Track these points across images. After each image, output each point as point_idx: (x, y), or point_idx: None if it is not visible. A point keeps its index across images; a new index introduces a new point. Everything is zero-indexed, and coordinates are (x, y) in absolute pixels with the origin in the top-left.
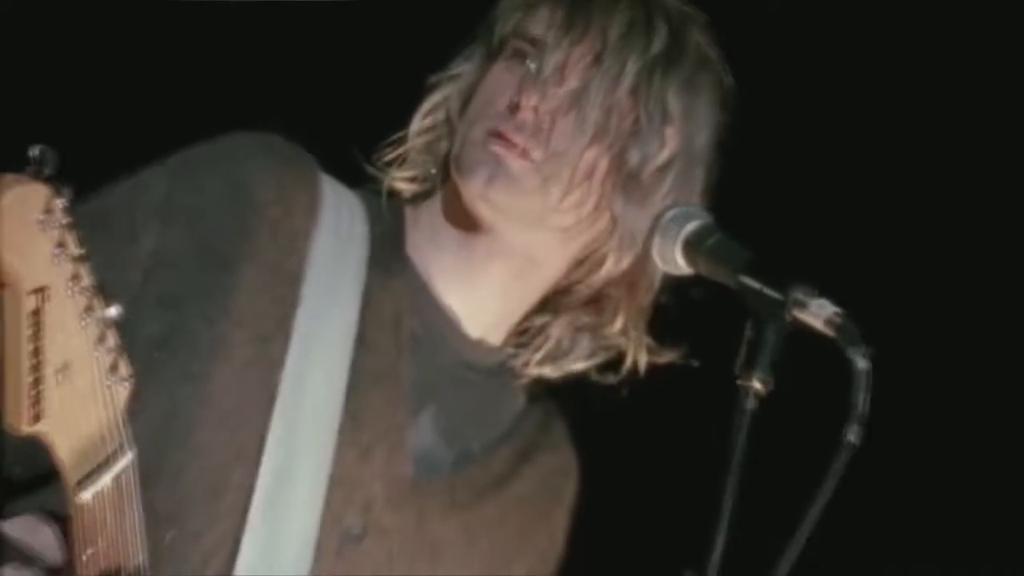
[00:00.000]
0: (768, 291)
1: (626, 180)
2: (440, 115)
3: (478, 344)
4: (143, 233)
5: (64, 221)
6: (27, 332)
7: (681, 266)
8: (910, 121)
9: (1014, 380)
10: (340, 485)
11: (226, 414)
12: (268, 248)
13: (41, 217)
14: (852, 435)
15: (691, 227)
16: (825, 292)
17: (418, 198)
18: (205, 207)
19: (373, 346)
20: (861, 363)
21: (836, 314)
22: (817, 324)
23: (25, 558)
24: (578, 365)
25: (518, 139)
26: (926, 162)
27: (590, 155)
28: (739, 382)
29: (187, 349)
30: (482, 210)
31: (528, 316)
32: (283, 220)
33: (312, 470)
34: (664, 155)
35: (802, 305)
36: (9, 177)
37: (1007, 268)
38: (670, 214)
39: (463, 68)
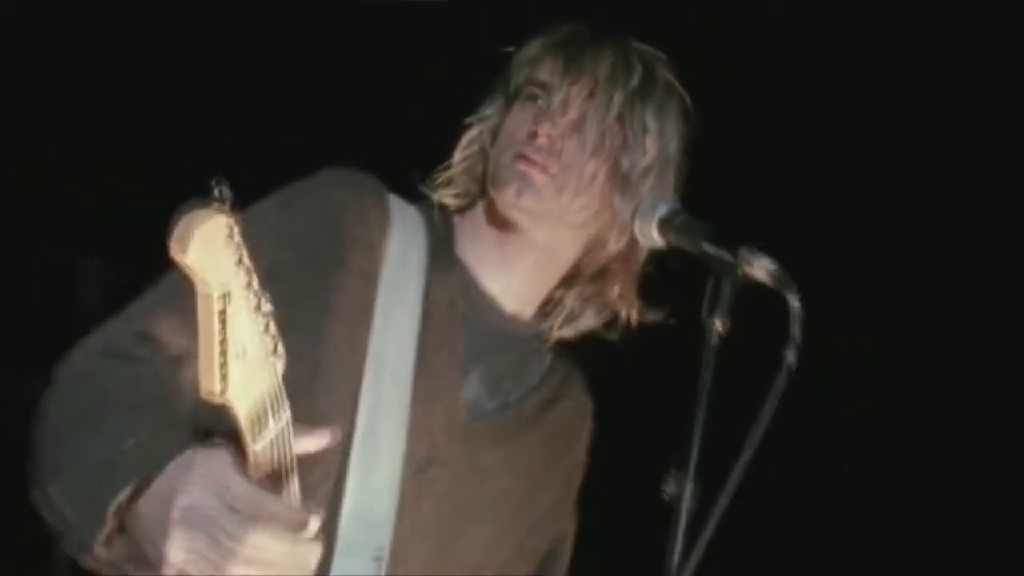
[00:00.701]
0: (723, 254)
1: (620, 182)
2: (475, 147)
3: (513, 319)
4: (259, 251)
5: (240, 241)
6: (216, 327)
7: (657, 241)
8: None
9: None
10: (413, 428)
11: (328, 380)
12: (353, 256)
13: (224, 240)
14: (790, 357)
15: (663, 211)
16: (765, 250)
17: (462, 210)
18: (306, 229)
19: (434, 324)
20: (794, 303)
21: (774, 268)
22: (761, 276)
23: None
24: (589, 324)
25: (538, 158)
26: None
27: (592, 166)
28: (705, 324)
29: (297, 335)
30: (515, 215)
31: (551, 292)
32: (363, 234)
33: (394, 418)
34: (646, 161)
35: (748, 263)
36: (201, 211)
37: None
38: (647, 202)
39: (489, 111)
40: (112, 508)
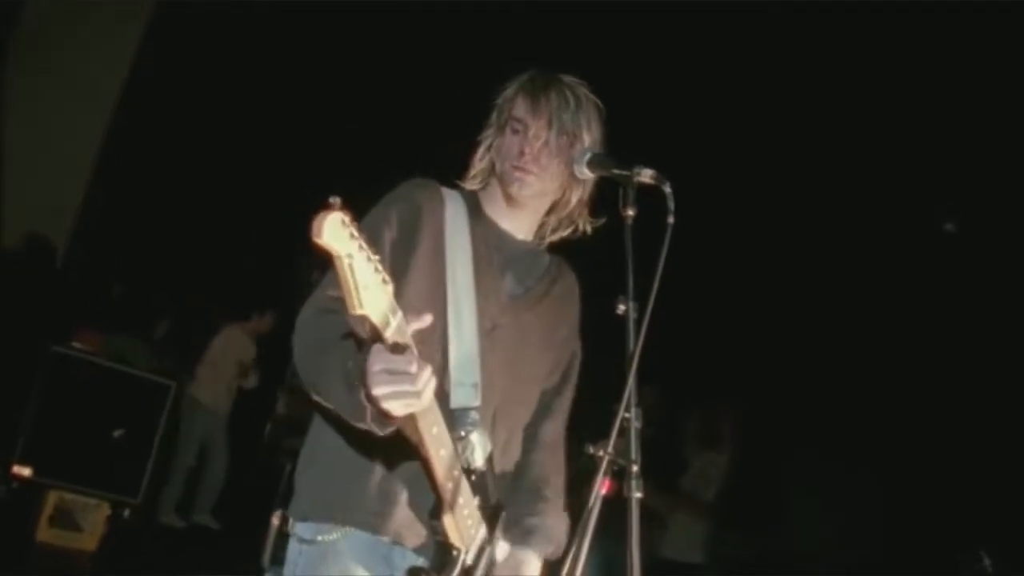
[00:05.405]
0: (624, 172)
1: (572, 162)
2: (486, 155)
3: (523, 241)
4: (385, 233)
5: (350, 224)
6: (348, 274)
7: (588, 174)
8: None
9: None
10: (479, 310)
11: (431, 292)
12: (429, 227)
13: (339, 225)
14: (670, 219)
15: (588, 155)
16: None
17: (482, 189)
18: (402, 218)
19: (479, 255)
20: (667, 189)
21: (653, 172)
22: (647, 179)
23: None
24: (564, 234)
25: (526, 167)
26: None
27: (555, 163)
28: (621, 213)
29: (404, 281)
30: (520, 198)
31: (540, 220)
32: (432, 216)
33: (467, 307)
34: (585, 147)
35: (639, 173)
36: (322, 213)
37: None
38: (578, 154)
39: (489, 132)
40: (363, 396)
